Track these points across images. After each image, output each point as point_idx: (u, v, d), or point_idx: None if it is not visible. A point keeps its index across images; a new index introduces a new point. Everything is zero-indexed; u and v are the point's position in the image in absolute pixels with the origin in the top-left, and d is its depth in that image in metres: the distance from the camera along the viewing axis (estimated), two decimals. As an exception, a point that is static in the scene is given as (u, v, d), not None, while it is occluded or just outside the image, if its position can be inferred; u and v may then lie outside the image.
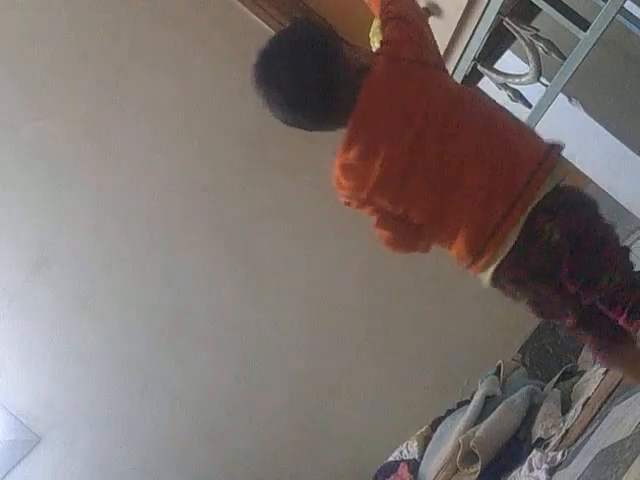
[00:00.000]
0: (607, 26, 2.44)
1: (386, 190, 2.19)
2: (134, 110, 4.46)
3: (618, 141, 3.40)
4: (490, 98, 2.33)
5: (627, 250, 2.20)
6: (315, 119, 2.18)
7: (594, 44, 2.47)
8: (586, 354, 4.00)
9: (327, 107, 2.15)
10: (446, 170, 2.12)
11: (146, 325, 4.55)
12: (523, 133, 2.22)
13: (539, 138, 2.22)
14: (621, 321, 2.15)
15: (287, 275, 4.57)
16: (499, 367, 4.11)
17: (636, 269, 2.20)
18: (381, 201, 2.21)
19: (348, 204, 2.28)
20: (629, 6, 3.07)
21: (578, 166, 3.62)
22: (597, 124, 3.38)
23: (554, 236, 2.09)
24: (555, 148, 2.18)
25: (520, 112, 2.84)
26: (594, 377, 3.56)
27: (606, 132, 3.39)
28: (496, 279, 2.18)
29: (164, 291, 4.55)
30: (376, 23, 2.75)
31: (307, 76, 2.11)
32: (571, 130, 3.47)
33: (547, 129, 3.23)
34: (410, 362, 4.55)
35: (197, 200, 4.52)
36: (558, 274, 2.13)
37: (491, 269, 2.16)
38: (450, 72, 2.74)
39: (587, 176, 3.70)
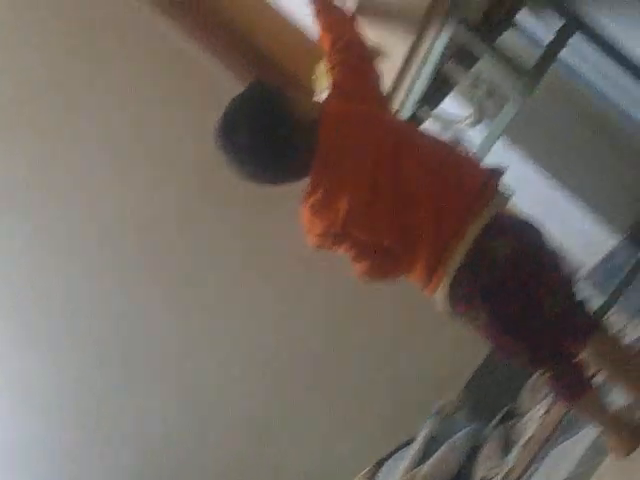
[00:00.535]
0: (544, 72, 2.49)
1: (357, 220, 2.33)
2: (84, 140, 4.45)
3: (557, 185, 3.46)
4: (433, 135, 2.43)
5: (571, 277, 2.32)
6: (278, 174, 2.37)
7: (532, 89, 2.52)
8: (527, 395, 4.03)
9: (287, 161, 2.34)
10: (403, 196, 2.27)
11: (96, 360, 4.54)
12: (467, 158, 2.39)
13: (481, 163, 2.39)
14: (566, 344, 2.27)
15: (236, 313, 4.57)
16: (442, 407, 4.12)
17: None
18: (355, 231, 2.35)
19: (320, 246, 2.42)
20: (565, 54, 3.15)
21: (517, 207, 3.68)
22: (537, 167, 3.44)
23: (501, 255, 2.22)
24: (499, 171, 2.34)
25: (461, 155, 2.89)
26: (535, 418, 3.59)
27: (545, 176, 3.45)
28: (449, 297, 2.29)
29: (112, 326, 4.54)
30: (322, 66, 2.79)
31: (265, 137, 2.31)
32: (511, 173, 3.52)
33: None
34: (354, 403, 4.56)
35: (147, 238, 4.51)
36: (504, 292, 2.23)
37: (444, 286, 2.27)
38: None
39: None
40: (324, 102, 2.42)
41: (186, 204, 4.50)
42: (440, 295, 2.30)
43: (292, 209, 2.41)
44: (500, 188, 2.30)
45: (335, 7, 2.50)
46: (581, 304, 2.31)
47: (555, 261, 2.29)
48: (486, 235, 2.22)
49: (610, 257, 3.50)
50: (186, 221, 4.51)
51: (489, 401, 4.30)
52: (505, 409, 4.06)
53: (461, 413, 4.18)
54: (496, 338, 2.34)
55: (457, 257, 2.23)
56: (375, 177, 2.27)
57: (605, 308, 3.24)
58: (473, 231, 2.22)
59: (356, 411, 4.57)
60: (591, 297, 3.52)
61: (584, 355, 2.30)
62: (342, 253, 2.42)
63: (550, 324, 2.26)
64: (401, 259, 2.36)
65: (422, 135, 2.41)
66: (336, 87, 2.39)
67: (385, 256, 2.39)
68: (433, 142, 2.37)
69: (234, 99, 2.40)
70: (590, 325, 2.29)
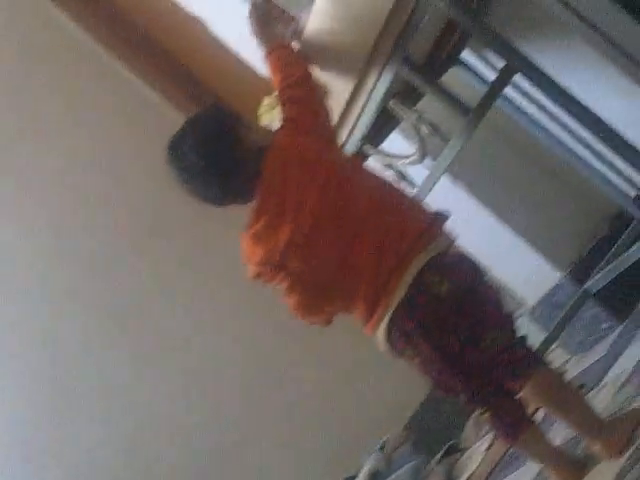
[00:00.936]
0: (487, 110, 2.52)
1: (295, 252, 2.35)
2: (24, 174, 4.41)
3: (500, 222, 3.49)
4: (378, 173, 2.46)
5: (511, 315, 2.35)
6: (221, 196, 2.42)
7: (475, 127, 2.55)
8: (470, 430, 4.05)
9: (231, 184, 2.39)
10: (344, 231, 2.31)
11: (31, 396, 4.47)
12: (412, 200, 2.45)
13: (425, 205, 2.45)
14: (506, 381, 2.29)
15: (178, 346, 4.54)
16: (385, 442, 4.12)
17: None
18: (293, 263, 2.37)
19: (259, 275, 2.43)
20: (508, 92, 3.19)
21: (460, 245, 3.70)
22: (480, 204, 3.47)
23: (441, 290, 2.24)
24: (443, 214, 2.38)
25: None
26: (478, 453, 3.60)
27: (488, 212, 3.48)
28: (389, 333, 2.30)
29: (48, 361, 4.48)
30: (266, 101, 2.80)
31: (211, 158, 2.36)
32: (454, 210, 3.54)
33: (432, 208, 3.31)
34: (296, 438, 4.53)
35: (85, 270, 4.47)
36: (444, 329, 2.25)
37: (384, 322, 2.29)
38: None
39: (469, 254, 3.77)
40: (275, 133, 2.46)
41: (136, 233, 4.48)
42: (380, 332, 2.31)
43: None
44: (443, 231, 2.33)
45: (286, 46, 2.53)
46: (522, 341, 2.33)
47: (495, 299, 2.32)
48: (426, 273, 2.25)
49: (552, 293, 3.53)
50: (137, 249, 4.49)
51: (432, 436, 4.31)
52: (448, 444, 4.07)
53: (404, 448, 4.17)
54: (435, 376, 2.35)
55: (397, 294, 2.25)
56: (317, 211, 2.30)
57: (547, 344, 3.27)
58: (413, 269, 2.24)
59: (298, 446, 4.54)
60: (533, 333, 3.57)
61: (525, 392, 2.31)
62: (277, 285, 2.43)
63: (490, 361, 2.28)
64: (337, 296, 2.38)
65: (368, 173, 2.44)
66: (287, 121, 2.43)
67: (319, 292, 2.41)
68: (379, 181, 2.41)
69: (189, 118, 2.46)
70: (531, 362, 2.30)
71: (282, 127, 2.45)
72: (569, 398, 2.36)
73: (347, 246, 2.30)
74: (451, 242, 2.35)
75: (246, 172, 2.37)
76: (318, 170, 2.33)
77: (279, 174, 2.35)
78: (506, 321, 2.32)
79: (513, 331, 2.32)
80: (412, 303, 2.25)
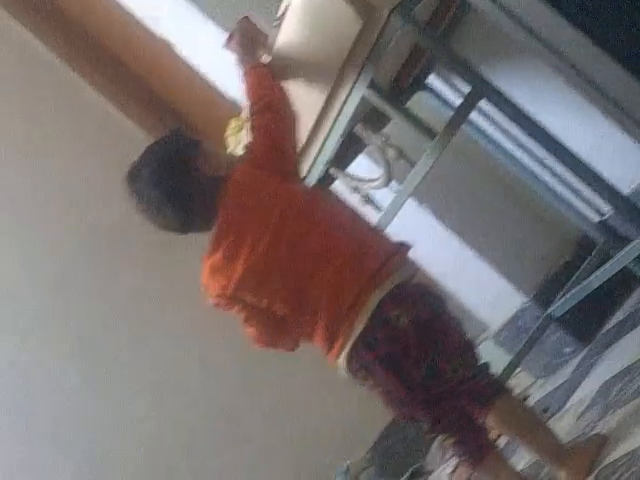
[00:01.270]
0: (453, 135, 2.53)
1: (249, 286, 2.35)
2: None
3: (465, 245, 3.51)
4: (341, 200, 2.44)
5: (472, 343, 2.34)
6: (179, 226, 2.41)
7: (441, 152, 2.56)
8: (434, 453, 4.05)
9: (187, 213, 2.38)
10: (301, 265, 2.29)
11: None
12: (373, 231, 2.44)
13: (389, 237, 2.42)
14: (468, 409, 2.30)
15: (133, 374, 4.51)
16: (349, 465, 4.11)
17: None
18: (246, 296, 2.36)
19: (218, 305, 2.43)
20: (474, 117, 3.21)
21: (425, 268, 3.71)
22: (445, 228, 3.48)
23: (401, 323, 2.23)
24: (405, 245, 2.36)
25: (371, 215, 2.91)
26: (442, 476, 3.60)
27: (454, 236, 3.49)
28: (350, 364, 2.29)
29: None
30: (233, 124, 2.80)
31: (167, 186, 2.35)
32: (420, 233, 3.56)
33: (397, 232, 3.32)
34: (258, 463, 4.50)
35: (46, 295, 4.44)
36: (405, 360, 2.25)
37: (344, 353, 2.28)
38: (304, 175, 2.80)
39: (434, 278, 3.79)
40: (237, 162, 2.46)
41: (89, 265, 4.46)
42: (341, 361, 2.31)
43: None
44: (404, 263, 2.32)
45: (264, 67, 2.54)
46: (484, 369, 2.32)
47: (456, 328, 2.32)
48: (385, 306, 2.24)
49: (517, 317, 3.54)
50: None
51: (397, 459, 4.31)
52: (413, 467, 4.06)
53: (369, 471, 4.17)
54: (397, 406, 2.35)
55: (356, 329, 2.25)
56: (273, 247, 2.29)
57: (511, 367, 3.28)
58: (371, 304, 2.24)
59: (261, 471, 4.52)
60: (498, 356, 3.57)
61: (487, 419, 2.32)
62: (235, 315, 2.43)
63: (452, 391, 2.28)
64: (295, 329, 2.38)
65: (329, 206, 2.43)
66: (249, 152, 2.44)
67: (277, 324, 2.41)
68: (340, 214, 2.40)
69: (149, 145, 2.45)
70: (492, 391, 2.29)
71: (244, 157, 2.46)
72: (531, 425, 2.35)
73: (304, 282, 2.29)
74: (412, 273, 2.34)
75: (204, 201, 2.36)
76: (275, 205, 2.32)
77: (237, 207, 2.35)
78: (467, 350, 2.31)
79: (475, 360, 2.31)
80: (372, 336, 2.25)
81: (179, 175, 2.36)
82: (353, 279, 2.25)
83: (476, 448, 2.33)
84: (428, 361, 2.25)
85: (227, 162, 2.46)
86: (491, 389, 2.29)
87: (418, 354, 2.24)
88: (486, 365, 2.34)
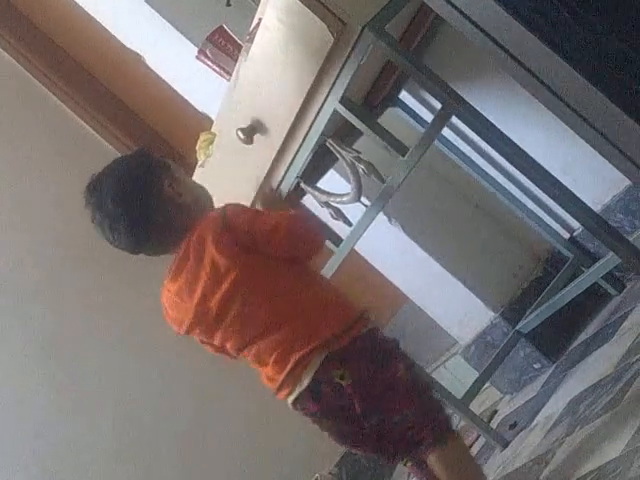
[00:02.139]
0: (424, 151, 2.54)
1: (200, 328, 2.37)
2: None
3: (434, 261, 3.51)
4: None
5: (425, 389, 2.34)
6: (130, 244, 2.37)
7: (412, 168, 2.56)
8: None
9: (142, 236, 2.34)
10: (249, 327, 2.30)
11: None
12: (332, 296, 2.38)
13: (349, 303, 2.38)
14: (417, 454, 2.32)
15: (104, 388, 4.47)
16: (317, 479, 4.10)
17: (437, 396, 2.39)
18: (197, 335, 2.39)
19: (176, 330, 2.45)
20: (447, 133, 3.22)
21: (396, 284, 3.72)
22: (415, 244, 3.49)
23: (343, 382, 2.23)
24: (364, 315, 2.34)
25: (341, 230, 2.91)
26: (409, 492, 3.59)
27: (423, 252, 3.49)
28: (296, 409, 2.33)
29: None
30: (202, 137, 2.79)
31: (127, 204, 2.30)
32: (390, 249, 3.57)
33: (367, 248, 3.33)
34: (226, 476, 4.48)
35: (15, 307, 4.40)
36: (352, 413, 2.26)
37: (290, 400, 2.31)
38: (274, 188, 2.80)
39: (404, 294, 3.79)
40: (209, 207, 2.44)
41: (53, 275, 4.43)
42: (289, 402, 2.33)
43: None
44: (361, 330, 2.31)
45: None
46: (436, 412, 2.33)
47: (404, 380, 2.30)
48: (331, 362, 2.24)
49: (486, 333, 3.55)
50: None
51: (364, 474, 4.30)
52: (381, 482, 4.06)
53: (337, 485, 4.16)
54: (347, 447, 2.42)
55: (303, 381, 2.26)
56: (224, 304, 2.29)
57: (479, 383, 3.29)
58: (318, 360, 2.24)
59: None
60: (466, 372, 3.58)
61: (429, 458, 2.31)
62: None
63: (398, 437, 2.30)
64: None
65: (289, 274, 2.36)
66: (229, 212, 2.37)
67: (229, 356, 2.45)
68: (297, 281, 2.36)
69: (114, 160, 2.42)
70: (435, 440, 2.29)
71: (219, 211, 2.38)
72: (468, 476, 2.37)
73: (253, 338, 2.30)
74: (360, 333, 2.31)
75: (162, 227, 2.34)
76: (235, 262, 2.28)
77: (195, 251, 2.30)
78: (419, 398, 2.30)
79: (428, 404, 2.31)
80: (317, 390, 2.26)
81: (140, 193, 2.32)
82: (302, 345, 2.25)
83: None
84: (376, 413, 2.26)
85: (193, 192, 2.44)
86: (433, 439, 2.28)
87: (364, 409, 2.25)
88: (440, 405, 2.35)
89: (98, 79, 4.45)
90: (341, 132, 2.81)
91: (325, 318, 2.29)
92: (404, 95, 3.34)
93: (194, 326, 2.36)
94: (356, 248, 3.03)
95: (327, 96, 2.41)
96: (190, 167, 2.83)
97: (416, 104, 3.36)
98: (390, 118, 3.16)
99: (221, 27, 2.79)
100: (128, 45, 3.80)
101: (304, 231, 2.38)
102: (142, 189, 2.32)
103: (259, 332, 2.29)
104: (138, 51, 3.79)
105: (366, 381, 2.25)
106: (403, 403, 2.27)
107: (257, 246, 2.31)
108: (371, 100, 3.08)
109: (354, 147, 2.72)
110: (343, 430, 2.32)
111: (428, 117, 3.30)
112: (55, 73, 4.36)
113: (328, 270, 2.95)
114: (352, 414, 2.27)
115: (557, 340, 3.36)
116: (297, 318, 2.28)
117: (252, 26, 2.46)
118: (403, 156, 2.55)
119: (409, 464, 2.40)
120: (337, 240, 2.95)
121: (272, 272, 2.32)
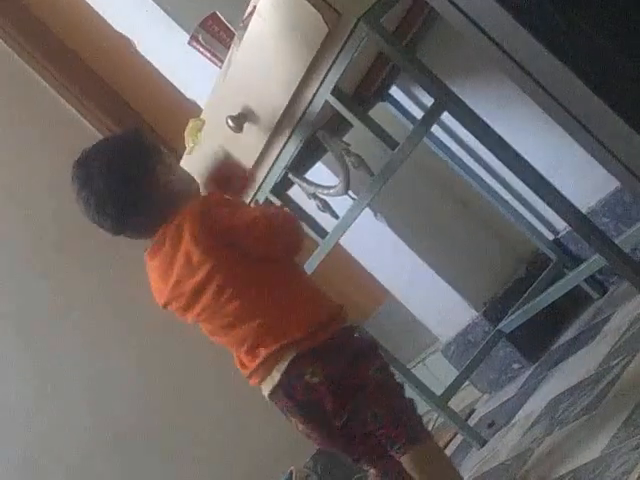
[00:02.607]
0: (414, 147, 2.53)
1: (174, 305, 2.38)
2: None
3: (417, 257, 3.51)
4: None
5: (396, 388, 2.35)
6: (113, 224, 2.34)
7: (401, 163, 2.55)
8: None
9: (126, 217, 2.32)
10: (220, 314, 2.32)
11: None
12: (310, 295, 2.39)
13: (325, 302, 2.39)
14: (390, 453, 2.31)
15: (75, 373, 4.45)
16: (291, 473, 4.09)
17: (409, 398, 2.37)
18: (174, 310, 2.40)
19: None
20: (435, 130, 3.22)
21: (379, 279, 3.71)
22: (400, 240, 3.49)
23: (314, 378, 2.24)
24: (340, 314, 2.35)
25: (328, 222, 2.90)
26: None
27: (408, 248, 3.49)
28: (271, 401, 2.34)
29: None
30: (191, 124, 2.77)
31: (116, 183, 2.27)
32: (374, 244, 3.56)
33: (352, 241, 3.32)
34: (200, 469, 4.45)
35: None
36: (323, 410, 2.27)
37: (266, 394, 2.33)
38: (262, 179, 2.78)
39: (387, 289, 3.79)
40: (195, 192, 2.46)
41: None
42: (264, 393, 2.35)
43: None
44: (335, 329, 2.32)
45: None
46: (408, 412, 2.33)
47: (376, 379, 2.31)
48: (302, 359, 2.25)
49: (467, 331, 3.55)
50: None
51: (339, 469, 4.29)
52: (355, 477, 4.05)
53: (313, 478, 4.15)
54: (318, 443, 2.41)
55: (272, 379, 2.28)
56: (197, 292, 2.29)
57: (459, 381, 3.29)
58: (288, 357, 2.25)
59: (204, 478, 4.47)
60: (446, 370, 3.59)
61: (402, 459, 2.31)
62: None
63: (370, 435, 2.30)
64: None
65: (269, 272, 2.37)
66: (211, 196, 2.46)
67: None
68: (274, 280, 2.36)
69: (106, 136, 2.40)
70: (407, 440, 2.29)
71: (204, 198, 2.41)
72: (444, 476, 2.37)
73: (222, 328, 2.33)
74: (334, 332, 2.31)
75: (148, 211, 2.32)
76: (216, 250, 2.29)
77: (176, 239, 2.30)
78: (389, 397, 2.31)
79: (399, 404, 2.32)
80: (289, 386, 2.26)
81: (130, 174, 2.30)
82: (272, 341, 2.26)
83: (397, 477, 2.36)
84: (347, 410, 2.27)
85: (182, 179, 2.43)
86: (405, 439, 2.28)
87: (334, 407, 2.26)
88: (412, 405, 2.35)
89: (85, 62, 4.42)
90: (331, 124, 2.80)
91: (297, 317, 2.29)
92: (394, 90, 3.33)
93: (170, 301, 2.37)
94: (340, 242, 3.02)
95: (319, 87, 2.39)
96: (177, 153, 2.81)
97: (406, 100, 3.36)
98: (379, 112, 3.15)
99: (214, 14, 2.77)
100: (118, 29, 3.78)
101: (282, 229, 2.38)
102: (135, 171, 2.30)
103: (228, 323, 2.30)
104: (129, 36, 3.76)
105: (337, 380, 2.26)
106: (373, 403, 2.28)
107: (234, 239, 2.30)
108: (361, 93, 3.07)
109: (344, 140, 2.71)
110: (314, 427, 2.32)
111: (417, 113, 3.30)
112: (47, 59, 4.33)
113: (312, 262, 2.95)
114: (323, 412, 2.27)
115: (538, 341, 3.37)
116: (268, 314, 2.28)
117: (246, 13, 2.45)
118: (393, 150, 2.54)
119: (373, 471, 2.41)
120: (322, 233, 2.94)
121: (247, 267, 2.32)
